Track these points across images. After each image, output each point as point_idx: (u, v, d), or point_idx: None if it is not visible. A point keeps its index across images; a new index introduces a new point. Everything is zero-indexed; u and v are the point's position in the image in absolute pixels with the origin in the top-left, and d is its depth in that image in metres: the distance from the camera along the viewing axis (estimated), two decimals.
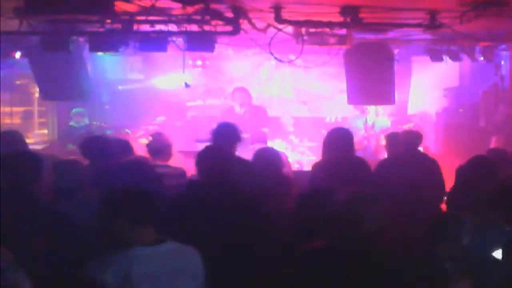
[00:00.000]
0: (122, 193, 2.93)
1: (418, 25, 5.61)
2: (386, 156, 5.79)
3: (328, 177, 4.62)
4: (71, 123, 8.54)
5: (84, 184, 4.02)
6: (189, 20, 5.51)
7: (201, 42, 5.99)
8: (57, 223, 3.48)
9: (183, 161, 6.16)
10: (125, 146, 5.20)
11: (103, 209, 2.96)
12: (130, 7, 5.01)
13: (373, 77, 6.76)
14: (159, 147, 5.36)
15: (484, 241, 3.38)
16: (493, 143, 7.93)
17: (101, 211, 2.99)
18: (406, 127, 8.42)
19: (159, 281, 2.80)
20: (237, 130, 4.96)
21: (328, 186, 3.95)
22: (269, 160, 4.87)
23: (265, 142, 6.58)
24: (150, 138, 5.68)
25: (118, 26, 5.74)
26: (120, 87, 9.93)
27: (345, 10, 5.27)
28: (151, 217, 2.88)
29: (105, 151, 4.79)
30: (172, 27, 5.83)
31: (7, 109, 9.15)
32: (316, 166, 5.07)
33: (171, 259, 2.86)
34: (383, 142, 8.31)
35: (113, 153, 4.83)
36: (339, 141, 4.99)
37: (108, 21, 5.68)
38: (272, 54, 6.02)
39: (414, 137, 5.37)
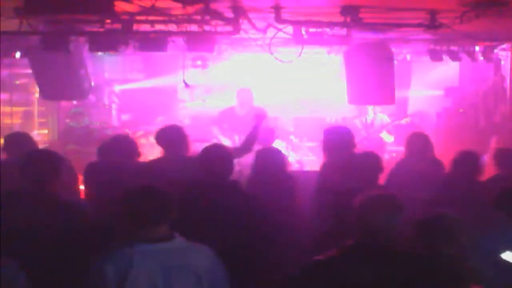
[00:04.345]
0: (129, 192, 2.95)
1: (418, 25, 5.60)
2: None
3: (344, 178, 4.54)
4: (71, 123, 8.55)
5: None
6: (189, 20, 5.50)
7: (201, 42, 5.98)
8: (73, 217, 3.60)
9: None
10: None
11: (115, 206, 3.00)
12: (130, 7, 5.00)
13: (373, 77, 6.75)
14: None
15: (490, 242, 3.34)
16: (493, 143, 7.93)
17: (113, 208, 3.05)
18: (403, 122, 8.45)
19: (159, 278, 2.80)
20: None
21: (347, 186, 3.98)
22: (271, 160, 4.83)
23: (272, 142, 6.57)
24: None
25: (118, 26, 5.73)
26: (118, 87, 9.94)
27: (345, 10, 5.26)
28: (159, 216, 2.88)
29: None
30: (172, 27, 5.83)
31: (7, 109, 9.15)
32: (326, 167, 4.99)
33: (173, 257, 2.86)
34: (386, 138, 8.38)
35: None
36: (340, 140, 4.99)
37: (108, 21, 5.67)
38: (272, 54, 6.01)
39: None
